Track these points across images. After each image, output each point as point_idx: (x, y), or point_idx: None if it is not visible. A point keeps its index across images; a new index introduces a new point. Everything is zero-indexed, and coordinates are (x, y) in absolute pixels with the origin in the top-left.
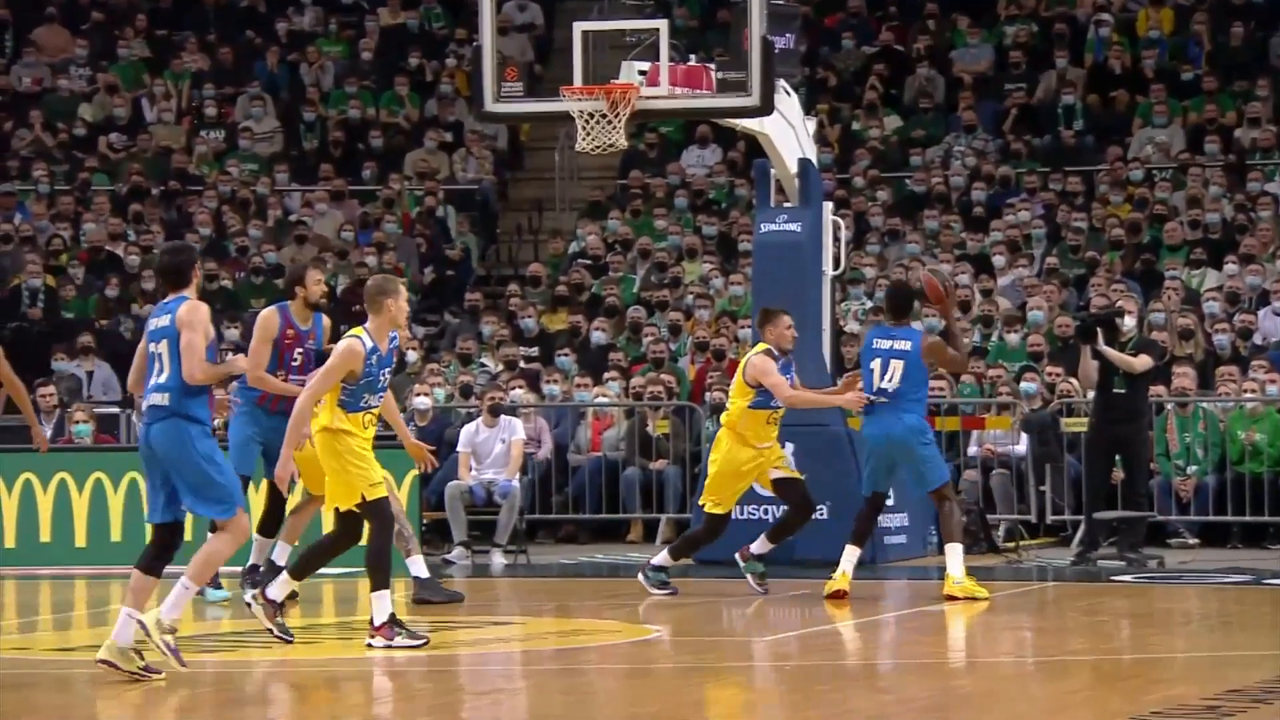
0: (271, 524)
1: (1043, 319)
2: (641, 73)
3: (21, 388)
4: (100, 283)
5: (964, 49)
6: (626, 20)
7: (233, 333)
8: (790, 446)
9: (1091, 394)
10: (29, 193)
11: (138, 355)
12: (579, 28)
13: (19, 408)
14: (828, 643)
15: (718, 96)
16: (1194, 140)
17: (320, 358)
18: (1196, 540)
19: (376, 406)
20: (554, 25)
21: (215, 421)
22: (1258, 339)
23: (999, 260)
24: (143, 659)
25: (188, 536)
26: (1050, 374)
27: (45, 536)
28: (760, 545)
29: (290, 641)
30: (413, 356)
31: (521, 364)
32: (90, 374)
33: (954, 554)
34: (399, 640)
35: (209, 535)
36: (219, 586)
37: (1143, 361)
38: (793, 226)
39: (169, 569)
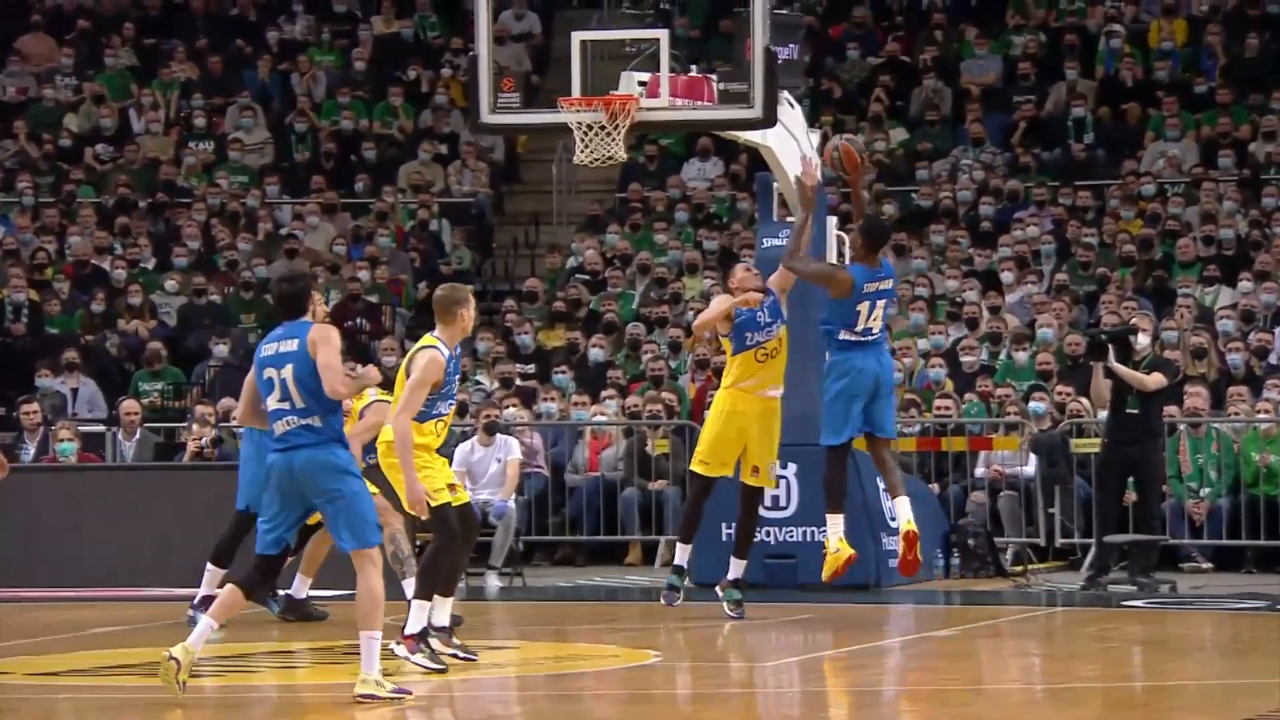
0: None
1: (1052, 337)
2: (641, 84)
3: None
4: (86, 297)
5: (971, 60)
6: (626, 30)
7: (221, 349)
8: (792, 467)
9: (1103, 414)
10: (13, 205)
11: (247, 387)
12: (577, 37)
13: None
14: (831, 668)
15: (719, 108)
16: (1207, 154)
17: None
18: (1210, 564)
19: (447, 414)
20: (552, 35)
21: (203, 440)
22: (1272, 358)
23: (1007, 276)
24: None
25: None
26: (1060, 393)
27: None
28: (735, 569)
29: (441, 668)
30: None
31: (518, 381)
32: (75, 391)
33: (905, 506)
34: (417, 658)
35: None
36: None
37: (1155, 380)
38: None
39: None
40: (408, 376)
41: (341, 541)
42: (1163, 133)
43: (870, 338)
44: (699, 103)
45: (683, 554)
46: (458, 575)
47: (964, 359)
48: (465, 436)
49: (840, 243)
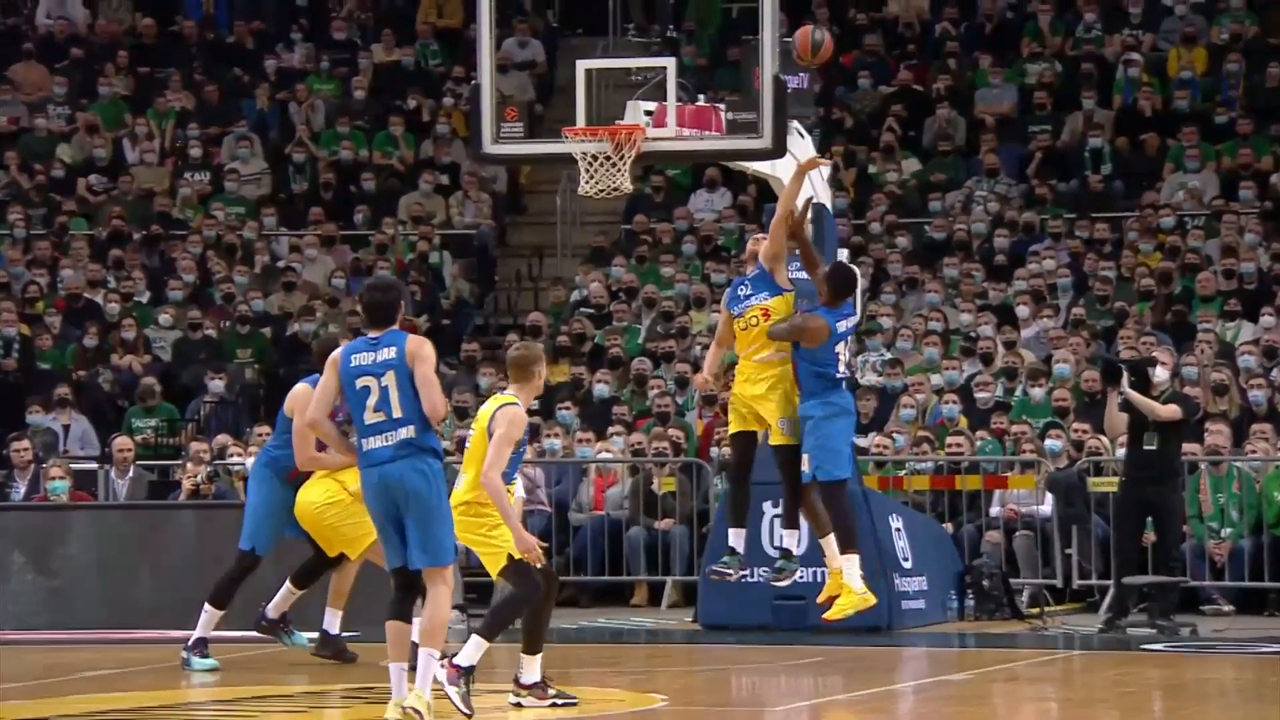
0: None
1: (1069, 373)
2: (648, 113)
3: None
4: (78, 332)
5: (986, 89)
6: (632, 58)
7: (217, 384)
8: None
9: (1120, 451)
10: (4, 237)
11: (324, 389)
12: (582, 66)
13: None
14: (843, 714)
15: (727, 138)
16: (1228, 186)
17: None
18: (1231, 607)
19: (517, 475)
20: (556, 63)
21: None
22: None
23: (1023, 311)
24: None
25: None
26: (1077, 431)
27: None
28: (786, 539)
29: (469, 713)
30: None
31: None
32: (67, 428)
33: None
34: (452, 690)
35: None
36: (207, 655)
37: (1170, 410)
38: (806, 275)
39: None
40: (488, 435)
41: (413, 558)
42: (1182, 164)
43: (846, 376)
44: (706, 133)
45: (735, 538)
46: (544, 632)
47: (978, 395)
48: None
49: None
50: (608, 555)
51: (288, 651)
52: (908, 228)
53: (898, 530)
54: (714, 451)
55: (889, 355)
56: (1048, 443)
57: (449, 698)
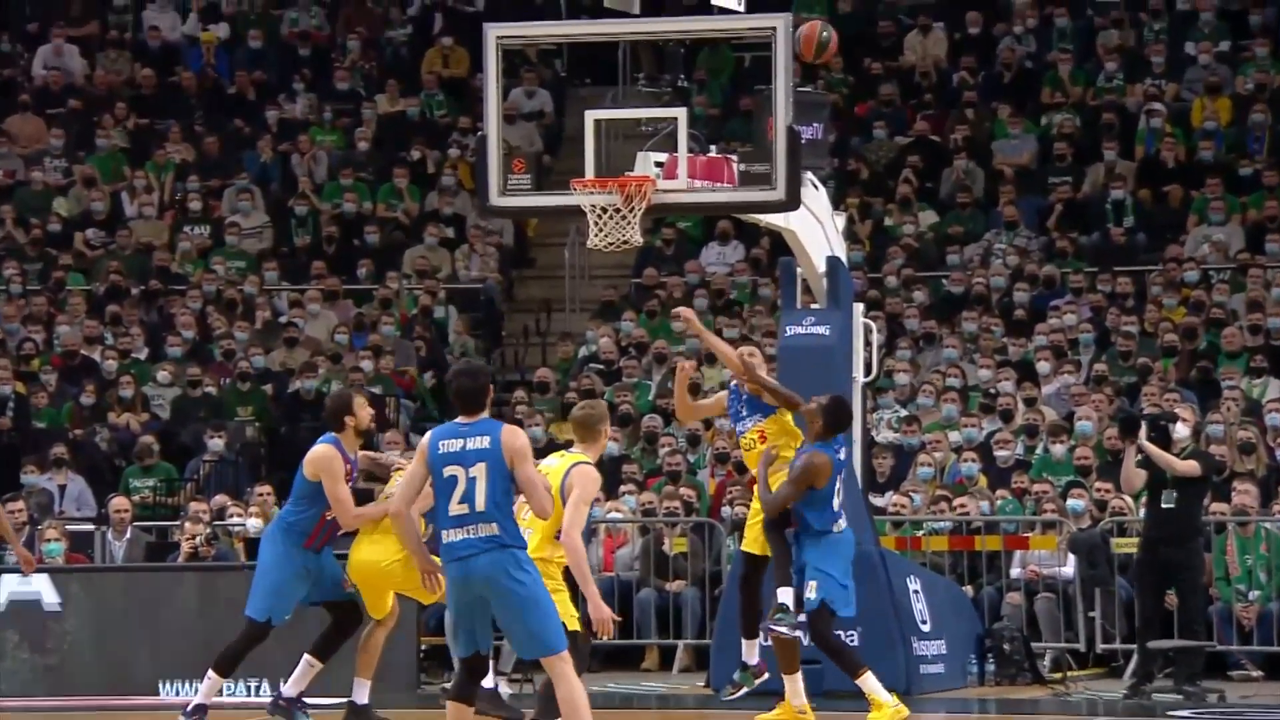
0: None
1: (1091, 430)
2: (658, 164)
3: None
4: (75, 390)
5: (1005, 140)
6: (642, 109)
7: (217, 443)
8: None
9: (1143, 511)
10: None
11: (412, 477)
12: (591, 116)
13: None
14: None
15: (740, 190)
16: (1254, 239)
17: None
18: (1260, 672)
19: None
20: (564, 113)
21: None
22: None
23: (1044, 367)
24: None
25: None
26: (1100, 490)
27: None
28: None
29: None
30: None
31: None
32: (63, 488)
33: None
34: None
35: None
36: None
37: (1188, 466)
38: (821, 329)
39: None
40: (563, 496)
41: (523, 649)
42: (1206, 216)
43: (842, 514)
44: (719, 184)
45: (784, 595)
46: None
47: (998, 453)
48: None
49: (868, 330)
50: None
51: None
52: (925, 281)
53: (916, 592)
54: (725, 511)
55: (904, 413)
56: (1070, 502)
57: None
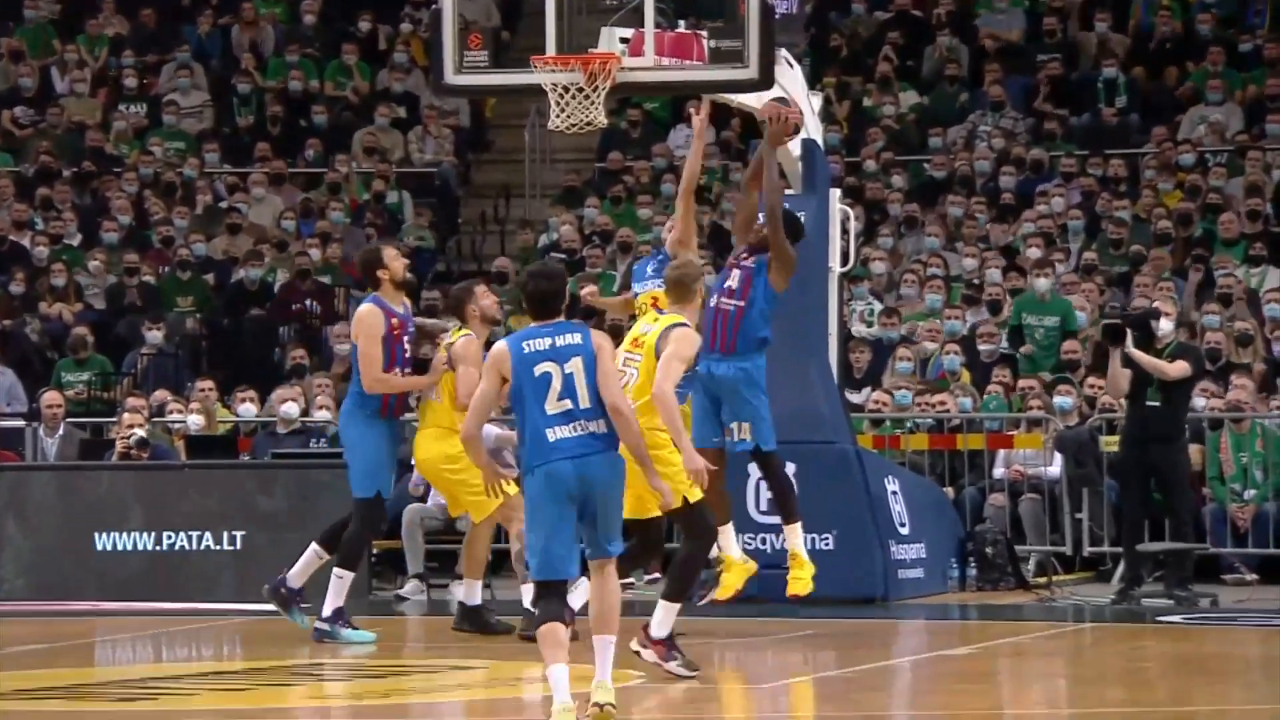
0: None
1: (1083, 322)
2: (624, 41)
3: None
4: (4, 278)
5: (990, 14)
6: None
7: (155, 335)
8: (791, 467)
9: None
10: None
11: (484, 396)
12: None
13: None
14: (835, 691)
15: (710, 68)
16: (1253, 119)
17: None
18: (1255, 575)
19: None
20: None
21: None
22: None
23: (1032, 254)
24: None
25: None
26: (1089, 386)
27: None
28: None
29: (696, 673)
30: None
31: None
32: None
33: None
34: (672, 665)
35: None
36: (355, 627)
37: (1178, 368)
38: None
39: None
40: (657, 354)
41: (594, 549)
42: (1204, 95)
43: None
44: (687, 62)
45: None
46: (695, 581)
47: (982, 347)
48: None
49: (845, 217)
50: None
51: (290, 625)
52: (906, 165)
53: (894, 493)
54: None
55: (879, 306)
56: (1057, 399)
57: (673, 673)
